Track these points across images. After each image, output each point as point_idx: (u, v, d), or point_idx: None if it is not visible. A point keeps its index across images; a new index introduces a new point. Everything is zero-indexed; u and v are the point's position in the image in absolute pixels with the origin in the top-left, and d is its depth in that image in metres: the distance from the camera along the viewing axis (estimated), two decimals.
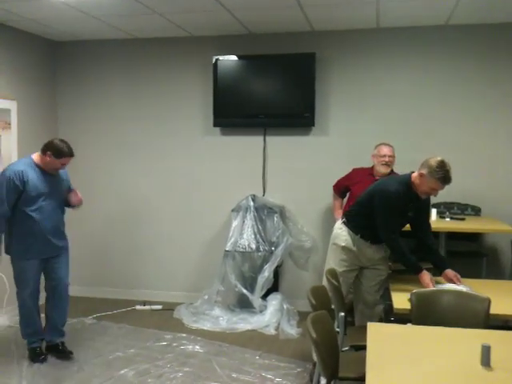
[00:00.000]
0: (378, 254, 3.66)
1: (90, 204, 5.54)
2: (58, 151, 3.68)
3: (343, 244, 3.70)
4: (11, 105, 4.87)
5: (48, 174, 3.79)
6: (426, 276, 3.32)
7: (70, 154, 3.75)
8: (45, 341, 4.02)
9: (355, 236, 3.65)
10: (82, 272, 5.62)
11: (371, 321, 3.17)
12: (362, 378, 2.24)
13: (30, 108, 5.17)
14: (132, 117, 5.49)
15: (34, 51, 5.24)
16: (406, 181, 3.44)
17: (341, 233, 3.73)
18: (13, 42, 4.92)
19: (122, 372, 3.78)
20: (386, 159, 4.43)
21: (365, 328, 2.56)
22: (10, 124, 4.85)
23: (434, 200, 4.79)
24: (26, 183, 3.66)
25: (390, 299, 3.22)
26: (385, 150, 4.46)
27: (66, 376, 3.70)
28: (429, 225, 3.67)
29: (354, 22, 4.73)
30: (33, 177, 3.70)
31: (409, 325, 2.79)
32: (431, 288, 3.18)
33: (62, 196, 3.93)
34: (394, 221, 3.47)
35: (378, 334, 2.49)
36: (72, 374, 3.73)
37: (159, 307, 5.25)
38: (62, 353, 3.97)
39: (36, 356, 3.91)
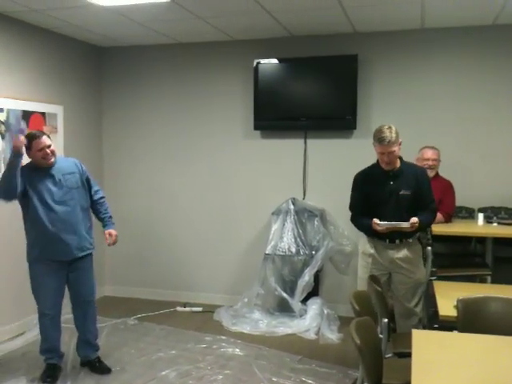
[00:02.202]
0: (399, 252, 3.54)
1: (132, 205, 5.66)
2: (28, 141, 3.44)
3: (362, 249, 3.70)
4: (58, 109, 5.01)
5: (50, 171, 3.54)
6: (375, 226, 3.42)
7: (33, 138, 3.45)
8: (79, 355, 3.84)
9: (372, 238, 3.60)
10: (123, 273, 5.73)
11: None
12: None
13: (76, 112, 5.30)
14: (174, 120, 5.56)
15: (79, 57, 5.38)
16: (376, 162, 3.60)
17: (361, 237, 3.71)
18: (59, 48, 5.06)
19: (164, 373, 3.82)
20: (430, 163, 4.36)
21: (408, 335, 2.51)
22: (56, 128, 4.99)
23: (480, 204, 4.70)
24: (29, 178, 3.47)
25: (434, 306, 3.14)
26: (428, 154, 4.39)
27: (110, 376, 3.76)
28: (427, 205, 3.55)
29: (398, 23, 4.65)
30: (33, 177, 3.49)
31: (455, 332, 2.72)
32: (383, 228, 3.39)
33: (76, 192, 3.63)
34: (353, 197, 3.68)
35: (423, 341, 2.43)
36: (115, 374, 3.79)
37: (199, 309, 5.28)
38: (99, 370, 3.78)
39: (48, 374, 3.66)
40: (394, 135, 3.39)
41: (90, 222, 3.77)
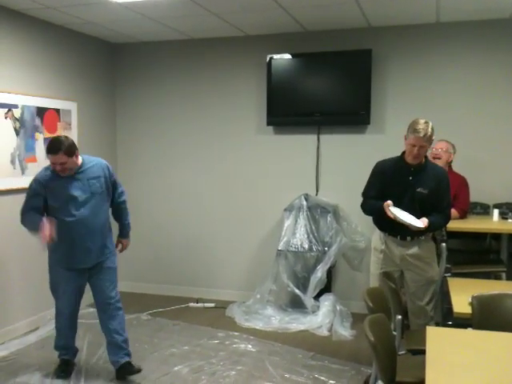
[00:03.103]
0: (410, 250, 3.49)
1: (146, 201, 5.69)
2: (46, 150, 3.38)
3: (374, 245, 3.67)
4: (72, 106, 5.04)
5: (74, 175, 3.44)
6: (386, 208, 3.35)
7: (48, 151, 3.33)
8: (109, 361, 3.66)
9: (383, 233, 3.57)
10: (136, 268, 5.76)
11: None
12: (420, 383, 2.18)
13: (90, 109, 5.33)
14: (187, 116, 5.56)
15: (93, 53, 5.40)
16: (400, 154, 3.54)
17: (374, 233, 3.69)
18: (72, 45, 5.09)
19: (177, 368, 3.84)
20: (436, 152, 4.36)
21: (422, 332, 2.49)
22: (70, 124, 5.02)
23: (495, 200, 4.64)
24: (47, 188, 3.39)
25: (448, 303, 3.11)
26: (436, 145, 4.39)
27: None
28: (443, 209, 3.49)
29: (413, 17, 4.60)
30: (55, 182, 3.40)
31: (469, 329, 2.69)
32: (391, 214, 3.31)
33: (99, 197, 3.51)
34: (369, 183, 3.62)
35: (437, 338, 2.40)
36: None
37: (212, 305, 5.29)
38: (130, 374, 3.62)
39: (62, 369, 3.68)
40: (430, 130, 3.34)
41: (110, 226, 3.68)
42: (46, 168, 3.49)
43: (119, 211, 3.78)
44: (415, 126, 3.34)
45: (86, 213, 3.43)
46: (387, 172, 3.54)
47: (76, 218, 3.40)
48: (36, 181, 3.44)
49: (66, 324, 3.63)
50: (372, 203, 3.55)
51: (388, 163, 3.58)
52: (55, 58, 4.87)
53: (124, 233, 3.84)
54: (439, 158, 4.36)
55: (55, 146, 3.30)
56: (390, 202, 3.36)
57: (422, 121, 3.36)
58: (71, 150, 3.35)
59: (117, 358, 3.61)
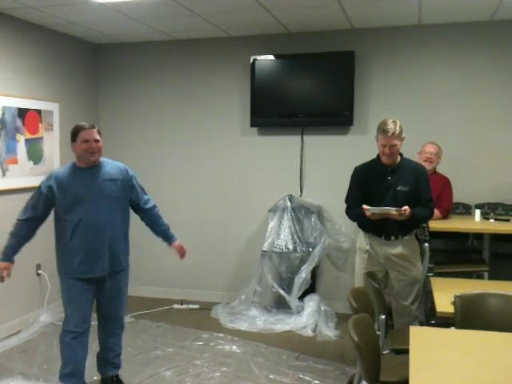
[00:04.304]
0: (394, 249, 3.53)
1: None
2: (73, 133, 3.19)
3: (358, 245, 3.71)
4: (53, 107, 4.98)
5: (92, 175, 3.21)
6: (366, 212, 3.39)
7: (87, 127, 3.18)
8: (97, 369, 3.52)
9: (368, 233, 3.60)
10: None
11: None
12: (404, 382, 2.19)
13: (72, 110, 5.27)
14: (171, 117, 5.54)
15: (75, 54, 5.35)
16: (376, 156, 3.61)
17: (359, 233, 3.73)
18: (54, 45, 5.03)
19: (161, 370, 3.81)
20: (427, 155, 4.43)
21: (405, 331, 2.50)
22: (52, 125, 4.97)
23: (477, 201, 4.70)
24: (58, 188, 3.16)
25: (431, 302, 3.14)
26: (428, 147, 4.46)
27: None
28: (425, 203, 3.53)
29: (395, 19, 4.64)
30: (68, 180, 3.18)
31: (452, 329, 2.71)
32: (371, 214, 3.37)
33: (115, 200, 3.26)
34: (350, 189, 3.69)
35: (420, 337, 2.42)
36: None
37: (196, 306, 5.27)
38: None
39: None
40: (398, 129, 3.41)
41: (127, 241, 3.42)
42: (57, 171, 3.29)
43: (153, 217, 3.49)
44: (383, 126, 3.43)
45: (98, 217, 3.17)
46: (366, 175, 3.60)
47: (87, 222, 3.15)
48: (50, 178, 3.19)
49: (77, 345, 3.23)
50: (354, 213, 3.62)
51: (365, 166, 3.65)
52: (37, 58, 4.81)
53: (171, 236, 3.54)
54: (431, 162, 4.40)
55: (88, 124, 3.20)
56: (364, 206, 3.42)
57: (389, 120, 3.44)
58: (100, 132, 3.26)
59: (105, 370, 3.50)
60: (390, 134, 3.38)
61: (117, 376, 3.54)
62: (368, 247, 3.59)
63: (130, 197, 3.37)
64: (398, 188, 3.48)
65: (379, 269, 3.59)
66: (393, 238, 3.53)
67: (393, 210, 3.37)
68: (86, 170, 3.22)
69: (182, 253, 3.60)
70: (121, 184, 3.30)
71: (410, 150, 4.44)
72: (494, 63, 4.70)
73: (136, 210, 3.47)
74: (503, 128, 4.72)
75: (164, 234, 3.54)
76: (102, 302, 3.36)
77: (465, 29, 4.72)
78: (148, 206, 3.48)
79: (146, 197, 3.49)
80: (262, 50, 5.12)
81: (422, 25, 4.79)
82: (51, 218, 3.29)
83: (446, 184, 4.47)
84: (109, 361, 3.49)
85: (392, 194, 3.49)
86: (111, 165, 3.34)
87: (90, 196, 3.17)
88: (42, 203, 3.18)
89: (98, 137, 3.20)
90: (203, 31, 5.03)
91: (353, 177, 3.70)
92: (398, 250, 3.53)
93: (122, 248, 3.34)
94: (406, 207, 3.37)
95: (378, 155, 3.59)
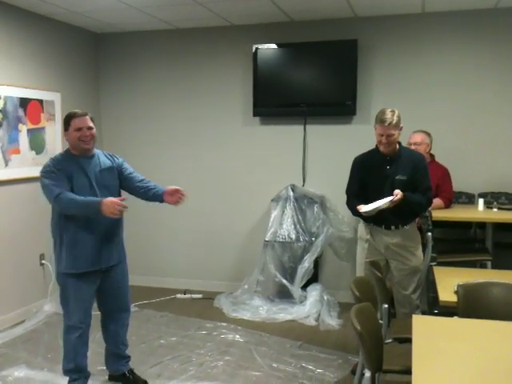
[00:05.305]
0: (394, 239, 3.52)
1: None
2: (65, 121, 3.10)
3: (359, 234, 3.71)
4: (55, 96, 4.97)
5: (86, 164, 3.14)
6: (361, 211, 3.40)
7: (79, 114, 3.09)
8: (108, 370, 3.47)
9: (368, 223, 3.59)
10: None
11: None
12: (407, 371, 2.20)
13: (74, 100, 5.25)
14: (172, 106, 5.52)
15: (77, 43, 5.32)
16: (375, 146, 3.58)
17: (360, 222, 3.72)
18: (56, 35, 5.01)
19: (165, 359, 3.83)
20: (413, 147, 4.30)
21: (408, 320, 2.50)
22: (54, 115, 4.96)
23: (480, 190, 4.69)
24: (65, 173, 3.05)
25: (434, 291, 3.14)
26: (412, 138, 4.41)
27: None
28: (424, 191, 3.50)
29: (398, 7, 4.60)
30: (71, 169, 3.09)
31: (455, 318, 2.72)
32: (362, 210, 3.40)
33: (113, 188, 3.23)
34: (350, 180, 3.69)
35: (423, 326, 2.42)
36: None
37: (199, 296, 5.29)
38: (133, 383, 3.42)
39: None
40: (395, 118, 3.39)
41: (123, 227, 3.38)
42: (54, 157, 3.16)
43: (144, 183, 3.38)
44: (381, 115, 3.41)
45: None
46: (365, 165, 3.59)
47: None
48: (54, 161, 3.09)
49: (79, 340, 3.18)
50: (352, 207, 3.59)
51: (364, 157, 3.64)
52: (38, 48, 4.79)
53: (160, 188, 3.39)
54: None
55: (80, 111, 3.12)
56: (359, 206, 3.44)
57: (387, 110, 3.43)
58: (93, 119, 3.18)
59: (119, 367, 3.44)
60: (386, 124, 3.37)
61: (131, 370, 3.48)
62: (368, 236, 3.59)
63: (124, 176, 3.32)
64: (397, 177, 3.47)
65: (380, 258, 3.58)
66: (393, 227, 3.53)
67: (387, 204, 3.32)
68: (83, 159, 3.14)
69: (179, 195, 3.39)
70: (115, 172, 3.28)
71: None
72: (498, 51, 4.66)
73: (132, 187, 3.36)
74: (507, 117, 4.69)
75: (156, 188, 3.41)
76: (107, 294, 3.28)
77: (469, 16, 4.67)
78: (139, 178, 3.39)
79: (133, 172, 3.41)
80: (264, 38, 5.08)
81: (426, 13, 4.75)
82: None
83: (444, 175, 4.45)
84: (122, 355, 3.45)
85: (390, 183, 3.47)
86: (102, 154, 3.30)
87: (92, 186, 3.11)
88: (63, 180, 3.02)
89: (91, 124, 3.13)
90: (204, 20, 5.00)
91: (352, 167, 3.69)
92: (398, 239, 3.53)
93: (121, 239, 3.37)
94: (397, 190, 3.34)
95: (375, 147, 3.58)
